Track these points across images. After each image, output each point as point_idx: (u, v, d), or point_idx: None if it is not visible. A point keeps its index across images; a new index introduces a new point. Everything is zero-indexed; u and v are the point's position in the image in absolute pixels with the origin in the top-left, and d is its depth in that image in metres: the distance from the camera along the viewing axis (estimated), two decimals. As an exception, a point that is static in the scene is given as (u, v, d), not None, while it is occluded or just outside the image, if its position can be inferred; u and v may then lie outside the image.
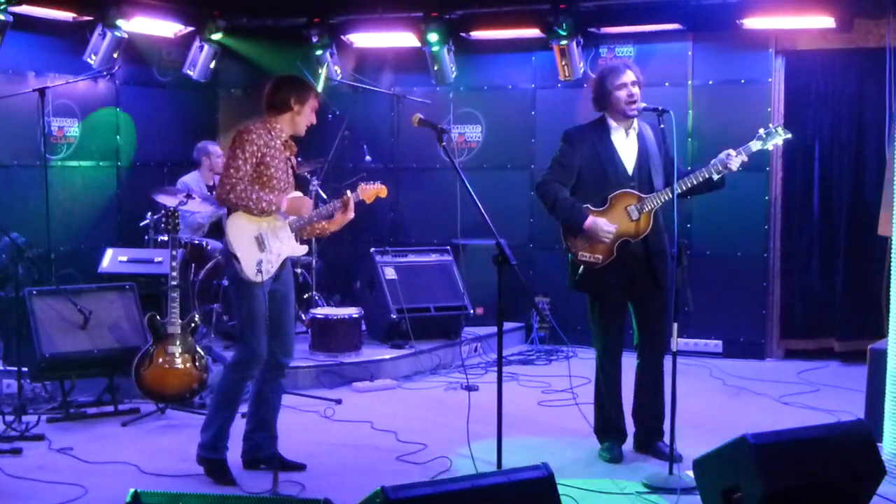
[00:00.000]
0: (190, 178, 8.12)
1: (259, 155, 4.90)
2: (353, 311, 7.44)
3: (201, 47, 8.66)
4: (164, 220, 6.16)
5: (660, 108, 5.08)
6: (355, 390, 6.96)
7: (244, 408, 5.33)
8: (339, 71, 8.95)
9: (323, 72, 8.63)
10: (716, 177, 5.21)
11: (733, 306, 8.11)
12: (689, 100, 8.20)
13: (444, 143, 4.64)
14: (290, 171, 5.11)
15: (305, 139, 5.22)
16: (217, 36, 8.68)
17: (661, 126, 5.13)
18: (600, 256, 5.25)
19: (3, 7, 6.95)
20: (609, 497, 4.80)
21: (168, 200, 7.25)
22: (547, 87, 8.72)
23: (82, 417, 6.10)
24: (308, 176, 7.82)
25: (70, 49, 8.02)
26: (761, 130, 5.27)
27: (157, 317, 6.06)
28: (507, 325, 8.31)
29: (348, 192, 5.19)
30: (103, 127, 8.47)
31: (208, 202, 7.53)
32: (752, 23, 7.75)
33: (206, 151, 8.20)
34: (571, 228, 5.27)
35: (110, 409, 6.20)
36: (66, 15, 7.77)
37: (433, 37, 8.49)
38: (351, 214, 5.17)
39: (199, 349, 6.14)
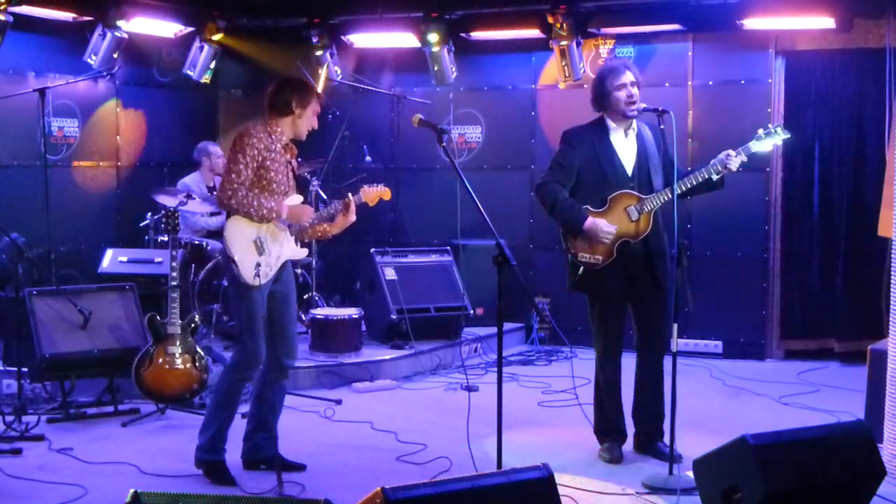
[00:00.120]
0: (190, 179, 8.12)
1: (260, 159, 4.89)
2: (353, 312, 7.44)
3: (201, 47, 8.66)
4: (164, 220, 6.16)
5: (660, 109, 5.08)
6: (355, 391, 6.96)
7: (244, 408, 5.33)
8: (339, 71, 8.95)
9: (323, 72, 8.62)
10: (715, 177, 5.21)
11: (733, 307, 8.11)
12: (689, 100, 8.20)
13: (444, 144, 4.63)
14: (291, 174, 5.10)
15: (306, 139, 5.21)
16: (217, 36, 8.67)
17: (661, 126, 5.13)
18: (600, 257, 5.25)
19: (2, 7, 6.95)
20: (609, 497, 4.80)
21: (168, 201, 7.25)
22: (547, 87, 8.72)
23: (82, 418, 6.10)
24: (308, 176, 7.82)
25: (70, 49, 8.02)
26: (760, 131, 5.26)
27: (157, 317, 6.06)
28: (507, 326, 8.31)
29: (349, 194, 5.18)
30: (103, 127, 8.47)
31: (208, 202, 7.53)
32: (752, 23, 7.75)
33: (207, 152, 8.20)
34: (571, 229, 5.27)
35: (110, 409, 6.20)
36: (66, 15, 7.77)
37: (433, 37, 8.49)
38: (352, 217, 5.15)
39: (199, 349, 6.14)
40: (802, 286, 8.12)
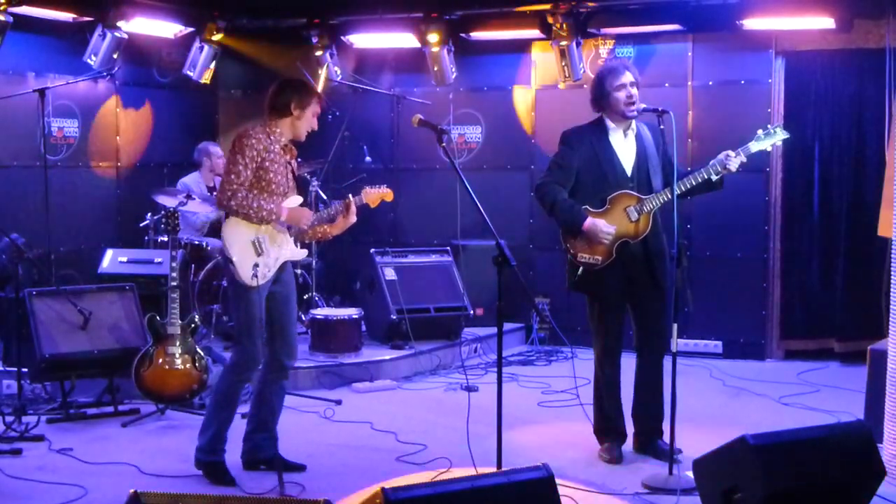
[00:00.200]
0: (190, 179, 8.12)
1: (259, 159, 4.89)
2: (352, 312, 7.44)
3: (201, 48, 8.66)
4: (163, 220, 6.16)
5: (659, 109, 5.08)
6: (355, 391, 6.96)
7: (244, 409, 5.33)
8: (338, 71, 8.95)
9: (323, 72, 8.62)
10: (715, 177, 5.21)
11: (733, 307, 8.11)
12: (688, 100, 8.20)
13: (443, 144, 4.63)
14: (291, 174, 5.10)
15: (305, 140, 5.21)
16: (217, 37, 8.68)
17: (661, 127, 5.13)
18: (600, 257, 5.25)
19: (2, 7, 6.95)
20: (609, 497, 4.81)
21: (168, 201, 7.26)
22: (547, 87, 8.72)
23: (82, 418, 6.11)
24: (308, 177, 7.82)
25: (70, 50, 8.02)
26: (760, 131, 5.26)
27: (157, 317, 6.06)
28: (507, 326, 8.31)
29: (350, 195, 5.17)
30: (103, 127, 8.48)
31: (208, 203, 7.54)
32: (752, 23, 7.75)
33: (207, 152, 8.20)
34: (571, 230, 5.27)
35: (110, 409, 6.20)
36: (66, 15, 7.77)
37: (433, 37, 8.49)
38: (353, 218, 5.15)
39: (198, 350, 6.14)
40: (802, 286, 8.12)
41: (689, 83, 8.23)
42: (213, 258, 7.45)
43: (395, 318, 7.63)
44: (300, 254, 5.19)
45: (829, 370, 7.72)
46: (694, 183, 5.18)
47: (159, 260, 7.39)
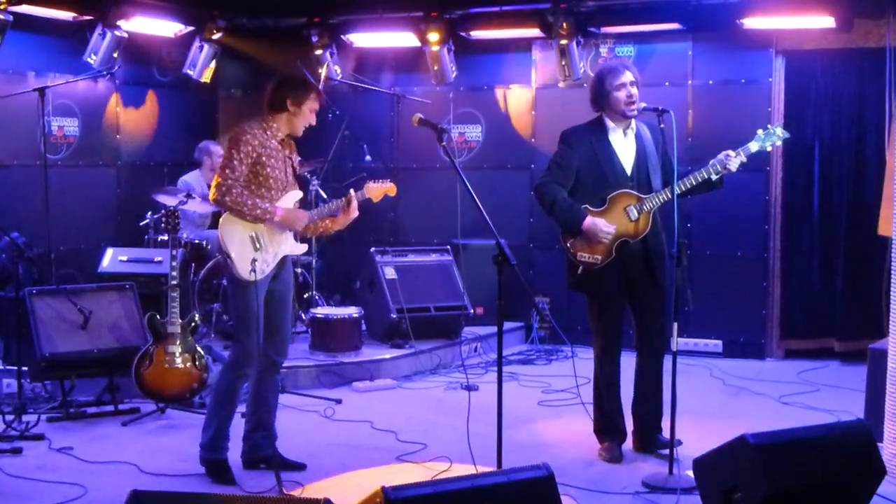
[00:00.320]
0: (191, 178, 8.12)
1: (254, 155, 4.89)
2: (353, 311, 7.44)
3: (201, 47, 8.65)
4: (164, 219, 6.16)
5: (660, 109, 5.08)
6: (355, 390, 6.96)
7: (244, 408, 5.33)
8: (338, 71, 8.95)
9: (323, 72, 8.62)
10: (714, 177, 5.21)
11: (733, 306, 8.11)
12: (689, 100, 8.20)
13: (444, 143, 4.63)
14: (291, 169, 5.10)
15: (305, 139, 5.20)
16: (217, 36, 8.67)
17: (662, 126, 5.13)
18: (599, 257, 5.25)
19: (2, 6, 6.95)
20: (609, 497, 4.81)
21: (168, 200, 7.26)
22: (547, 87, 8.72)
23: (82, 417, 6.10)
24: (308, 176, 7.82)
25: (70, 49, 8.02)
26: (760, 131, 5.26)
27: (157, 316, 6.06)
28: (507, 325, 8.31)
29: (352, 190, 5.17)
30: (103, 126, 8.48)
31: (208, 202, 7.53)
32: (753, 23, 7.75)
33: (208, 151, 8.19)
34: (570, 229, 5.27)
35: (110, 408, 6.20)
36: (66, 14, 7.77)
37: (433, 36, 8.49)
38: (355, 213, 5.14)
39: (199, 349, 6.14)
40: (802, 285, 8.12)
41: (689, 82, 8.23)
42: (213, 257, 7.45)
43: (395, 317, 7.63)
44: (300, 248, 5.18)
45: (829, 369, 7.72)
46: (694, 182, 5.17)
47: (159, 259, 7.39)
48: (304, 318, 7.76)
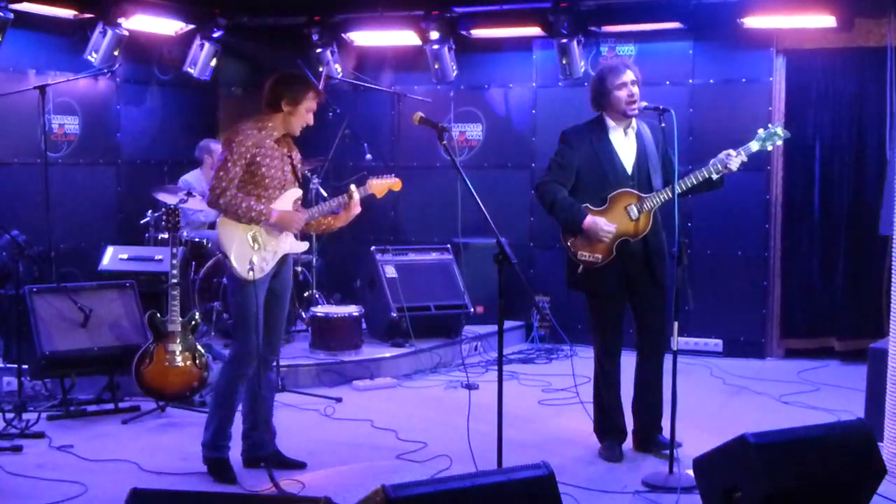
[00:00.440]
0: (192, 177, 8.11)
1: (248, 156, 4.86)
2: (353, 310, 7.45)
3: (202, 45, 8.65)
4: (164, 218, 6.16)
5: (660, 108, 5.08)
6: (355, 389, 6.96)
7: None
8: (339, 69, 8.94)
9: (323, 70, 8.62)
10: (715, 177, 5.21)
11: (733, 305, 8.11)
12: (689, 99, 8.20)
13: (444, 142, 4.62)
14: (291, 167, 5.07)
15: (306, 137, 5.19)
16: (218, 34, 8.67)
17: (662, 125, 5.13)
18: (600, 256, 5.25)
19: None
20: (609, 497, 4.81)
21: (168, 198, 7.26)
22: (547, 85, 8.72)
23: (82, 415, 6.11)
24: (308, 174, 7.82)
25: (71, 47, 8.01)
26: (760, 131, 5.26)
27: (158, 315, 6.07)
28: (508, 324, 8.32)
29: (352, 186, 5.15)
30: (104, 124, 8.47)
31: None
32: (753, 22, 7.75)
33: (208, 150, 8.19)
34: (571, 228, 5.27)
35: (110, 406, 6.20)
36: (66, 12, 7.77)
37: (434, 35, 8.49)
38: (357, 209, 5.12)
39: (199, 347, 6.15)
40: (803, 285, 8.12)
41: (690, 81, 8.23)
42: (213, 255, 7.45)
43: (395, 315, 7.63)
44: (300, 246, 5.17)
45: (829, 369, 7.72)
46: (694, 182, 5.17)
47: (160, 257, 7.39)
48: (304, 316, 7.76)
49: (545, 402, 6.67)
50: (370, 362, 7.27)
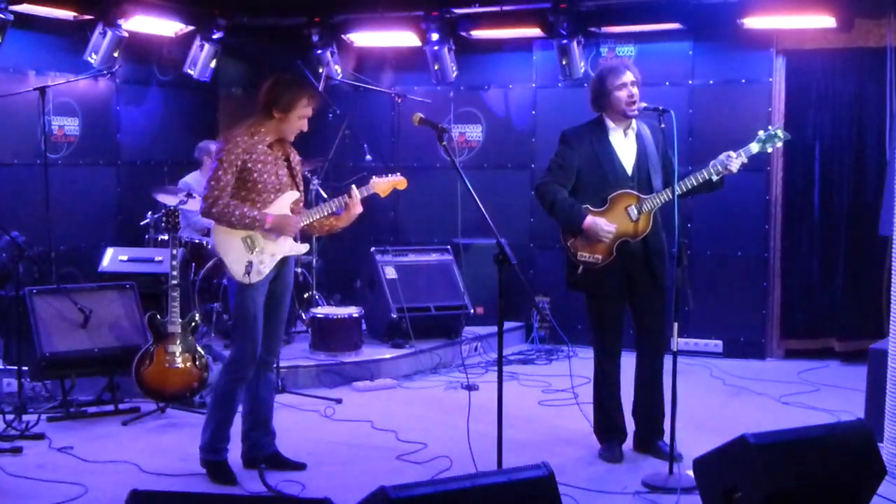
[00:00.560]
0: (191, 178, 8.11)
1: (238, 163, 4.85)
2: (353, 311, 7.45)
3: (202, 46, 8.65)
4: (164, 219, 6.16)
5: (660, 108, 5.08)
6: (355, 389, 6.96)
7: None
8: (339, 70, 8.95)
9: (323, 71, 8.62)
10: (715, 178, 5.20)
11: (733, 306, 8.11)
12: (689, 99, 8.20)
13: (444, 143, 4.62)
14: (288, 170, 5.03)
15: (306, 138, 5.18)
16: (218, 35, 8.67)
17: (662, 126, 5.13)
18: (600, 256, 5.25)
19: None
20: (609, 497, 4.81)
21: (168, 199, 7.26)
22: (547, 86, 8.72)
23: (82, 416, 6.10)
24: (308, 175, 7.82)
25: (70, 48, 8.02)
26: (760, 132, 5.25)
27: (158, 316, 6.06)
28: (508, 325, 8.32)
29: (353, 186, 5.13)
30: (104, 125, 8.47)
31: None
32: (753, 22, 7.75)
33: (208, 150, 8.17)
34: (571, 229, 5.27)
35: (110, 408, 6.20)
36: (66, 14, 7.76)
37: (434, 36, 8.49)
38: (358, 209, 5.09)
39: (199, 348, 6.14)
40: (803, 285, 8.12)
41: (690, 82, 8.23)
42: (213, 256, 7.44)
43: (395, 316, 7.63)
44: (300, 248, 5.15)
45: (829, 369, 7.72)
46: (694, 183, 5.17)
47: (160, 258, 7.39)
48: (304, 317, 7.76)
49: (545, 402, 6.67)
50: (370, 363, 7.27)
